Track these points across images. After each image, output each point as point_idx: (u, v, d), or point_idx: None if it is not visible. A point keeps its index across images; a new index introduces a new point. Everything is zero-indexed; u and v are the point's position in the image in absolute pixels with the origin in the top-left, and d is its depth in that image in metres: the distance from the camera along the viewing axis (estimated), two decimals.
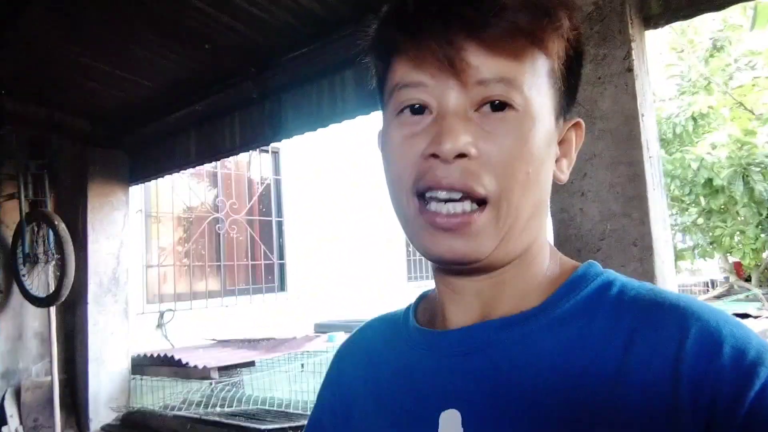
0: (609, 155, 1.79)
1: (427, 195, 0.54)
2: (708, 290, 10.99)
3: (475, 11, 0.51)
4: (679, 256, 9.49)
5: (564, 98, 0.58)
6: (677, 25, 8.10)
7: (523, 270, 0.59)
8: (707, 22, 8.31)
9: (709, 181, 7.54)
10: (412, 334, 0.65)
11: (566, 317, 0.55)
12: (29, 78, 3.47)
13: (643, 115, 1.77)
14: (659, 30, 1.99)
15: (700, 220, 8.51)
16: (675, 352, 0.47)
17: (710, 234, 8.64)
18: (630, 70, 1.76)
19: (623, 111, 1.77)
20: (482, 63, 0.52)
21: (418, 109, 0.55)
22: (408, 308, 0.70)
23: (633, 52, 1.76)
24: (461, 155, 0.52)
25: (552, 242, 2.00)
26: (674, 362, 0.47)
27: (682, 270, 10.70)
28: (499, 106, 0.53)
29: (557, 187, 1.94)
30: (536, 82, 0.54)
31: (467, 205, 0.53)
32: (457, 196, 0.53)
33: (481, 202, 0.53)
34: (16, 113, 3.75)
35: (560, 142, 0.60)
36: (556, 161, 0.60)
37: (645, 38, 1.90)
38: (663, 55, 8.95)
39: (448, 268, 0.60)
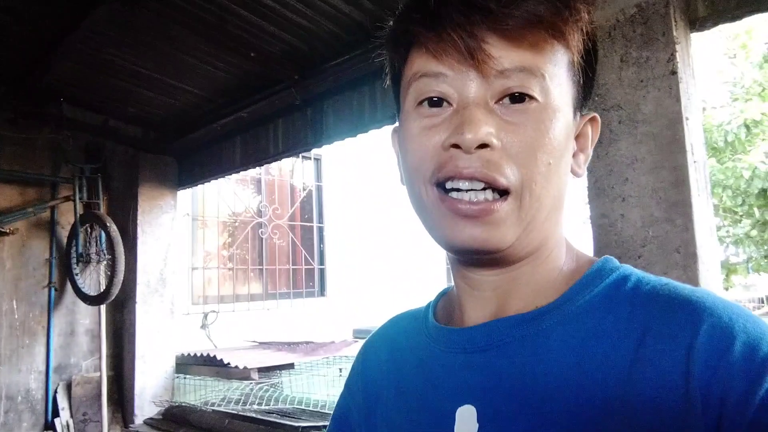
0: (651, 159, 1.75)
1: (448, 185, 0.54)
2: (762, 306, 10.50)
3: (496, 2, 0.51)
4: (731, 269, 9.13)
5: (581, 92, 0.58)
6: (729, 30, 7.84)
7: (540, 264, 0.59)
8: (762, 28, 8.01)
9: (763, 191, 7.27)
10: (430, 330, 0.66)
11: (581, 313, 0.55)
12: (87, 86, 3.64)
13: (687, 119, 1.73)
14: (707, 33, 1.94)
15: (754, 232, 8.16)
16: (686, 348, 0.47)
17: (765, 247, 8.29)
18: (674, 72, 1.72)
19: (666, 114, 1.73)
20: (503, 54, 0.52)
21: (437, 102, 0.55)
22: (428, 305, 0.71)
23: (677, 54, 1.72)
24: (483, 146, 0.52)
25: (592, 248, 1.93)
26: (686, 358, 0.46)
27: (735, 284, 10.27)
28: (520, 97, 0.52)
29: (597, 192, 1.92)
30: (556, 74, 0.54)
31: (489, 195, 0.53)
32: (479, 186, 0.53)
33: (503, 193, 0.53)
34: (73, 119, 3.94)
35: (577, 137, 0.60)
36: (573, 156, 0.59)
37: (690, 41, 1.86)
38: (715, 61, 8.67)
39: (470, 258, 0.59)
